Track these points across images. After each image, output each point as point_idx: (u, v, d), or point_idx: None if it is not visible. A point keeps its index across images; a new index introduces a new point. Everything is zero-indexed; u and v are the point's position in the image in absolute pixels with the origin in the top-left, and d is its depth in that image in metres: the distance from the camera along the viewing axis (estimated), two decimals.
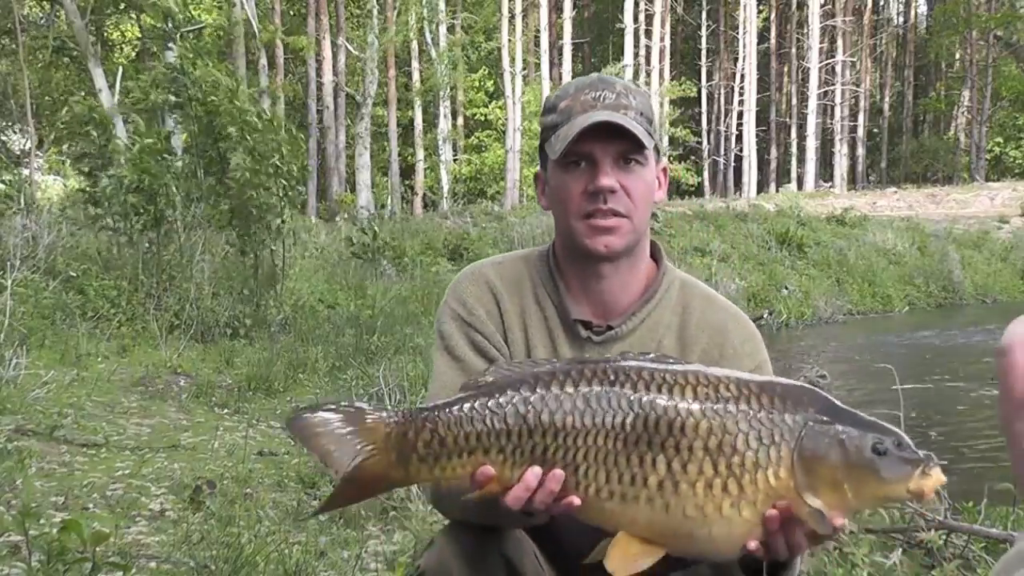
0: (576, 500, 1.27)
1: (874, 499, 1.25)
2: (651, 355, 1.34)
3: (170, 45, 9.34)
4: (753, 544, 1.24)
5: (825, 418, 1.24)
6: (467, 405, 1.32)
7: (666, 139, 36.20)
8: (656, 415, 1.26)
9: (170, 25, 9.19)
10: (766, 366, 1.63)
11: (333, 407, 1.36)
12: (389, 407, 1.41)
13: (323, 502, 1.45)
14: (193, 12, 10.16)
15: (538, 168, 1.69)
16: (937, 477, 1.22)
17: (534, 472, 1.27)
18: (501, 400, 1.30)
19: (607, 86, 1.58)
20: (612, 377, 1.29)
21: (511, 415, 1.29)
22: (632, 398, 1.27)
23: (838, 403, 1.28)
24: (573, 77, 35.42)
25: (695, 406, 1.26)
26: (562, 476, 1.27)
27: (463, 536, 1.52)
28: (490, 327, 1.64)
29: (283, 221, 9.15)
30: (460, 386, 1.39)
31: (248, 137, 8.68)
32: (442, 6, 29.45)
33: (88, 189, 9.11)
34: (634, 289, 1.65)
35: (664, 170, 1.67)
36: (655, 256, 1.69)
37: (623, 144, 1.54)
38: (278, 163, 8.85)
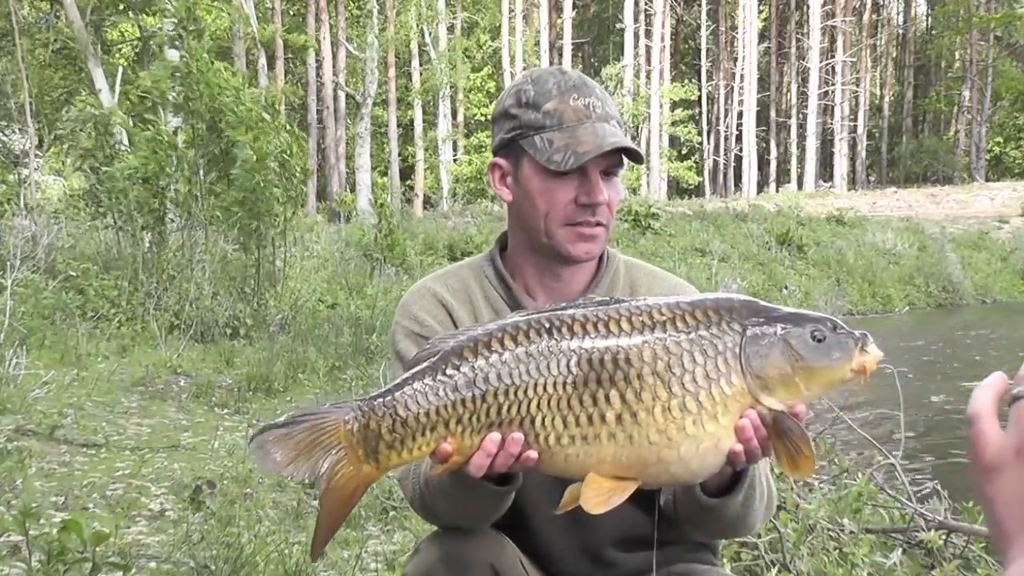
0: (533, 454, 1.29)
1: (825, 385, 1.28)
2: (578, 300, 1.37)
3: (175, 44, 9.37)
4: (739, 447, 1.27)
5: (760, 319, 1.28)
6: (418, 383, 1.31)
7: (666, 139, 36.24)
8: (599, 352, 1.28)
9: (179, 23, 9.20)
10: None
11: (288, 422, 1.34)
12: (342, 403, 1.39)
13: (315, 534, 1.40)
14: (195, 12, 10.15)
15: (496, 158, 1.67)
16: (875, 352, 1.26)
17: (493, 439, 1.28)
18: (448, 371, 1.31)
19: (591, 91, 1.60)
20: (548, 325, 1.31)
21: (462, 383, 1.30)
22: (572, 341, 1.29)
23: (766, 303, 1.32)
24: None
25: (635, 335, 1.28)
26: (521, 439, 1.28)
27: (447, 542, 1.52)
28: None
29: (285, 219, 9.16)
30: (404, 365, 1.39)
31: (252, 132, 8.70)
32: (442, 6, 29.46)
33: (92, 186, 9.10)
34: (584, 278, 1.70)
35: None
36: None
37: (614, 159, 1.59)
38: (285, 157, 8.87)
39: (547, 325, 1.31)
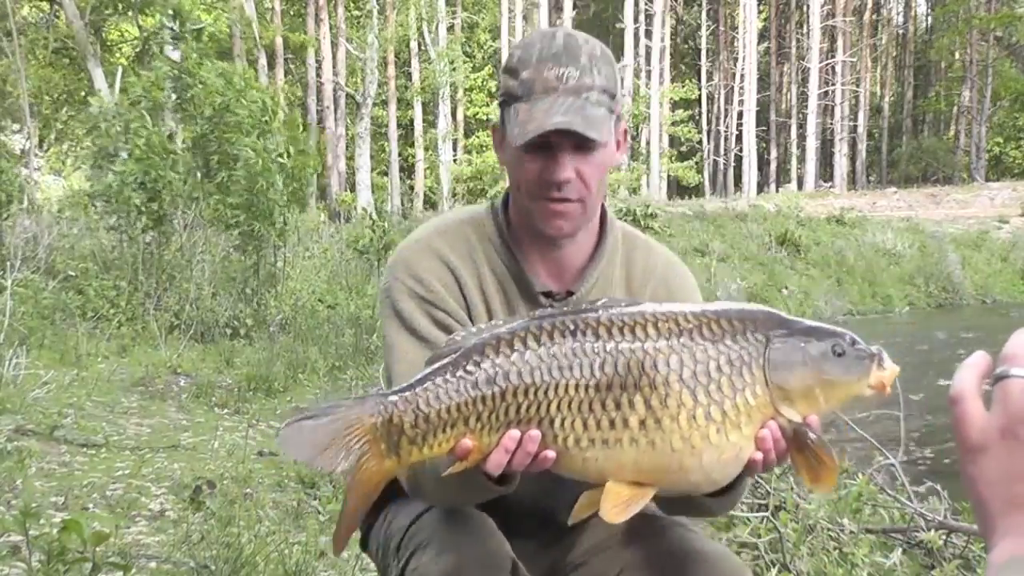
0: (551, 454, 1.28)
1: (843, 398, 1.29)
2: (602, 300, 1.36)
3: (176, 44, 9.37)
4: (758, 455, 1.27)
5: (783, 331, 1.29)
6: (440, 378, 1.31)
7: (666, 139, 36.24)
8: (625, 357, 1.27)
9: (176, 24, 9.19)
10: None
11: (315, 414, 1.34)
12: (365, 397, 1.38)
13: (338, 526, 1.41)
14: (193, 10, 10.18)
15: (496, 120, 1.65)
16: (892, 368, 1.28)
17: (511, 436, 1.28)
18: (470, 367, 1.30)
19: (571, 59, 1.51)
20: (573, 327, 1.30)
21: (483, 381, 1.29)
22: (597, 345, 1.29)
23: (786, 315, 1.33)
24: None
25: (662, 341, 1.28)
26: (539, 436, 1.28)
27: (466, 540, 1.49)
28: (451, 303, 1.61)
29: (285, 220, 9.15)
30: (426, 360, 1.38)
31: (252, 133, 8.71)
32: (442, 6, 29.47)
33: (93, 187, 9.08)
34: (586, 249, 1.67)
35: (624, 132, 1.64)
36: (601, 212, 1.70)
37: (579, 137, 1.51)
38: (281, 159, 8.87)
39: (572, 327, 1.30)
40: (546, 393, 1.28)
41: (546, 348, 1.29)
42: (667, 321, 1.29)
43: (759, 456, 1.28)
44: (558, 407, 1.28)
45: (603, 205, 1.68)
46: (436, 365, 1.33)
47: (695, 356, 1.27)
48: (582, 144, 1.51)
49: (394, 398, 1.33)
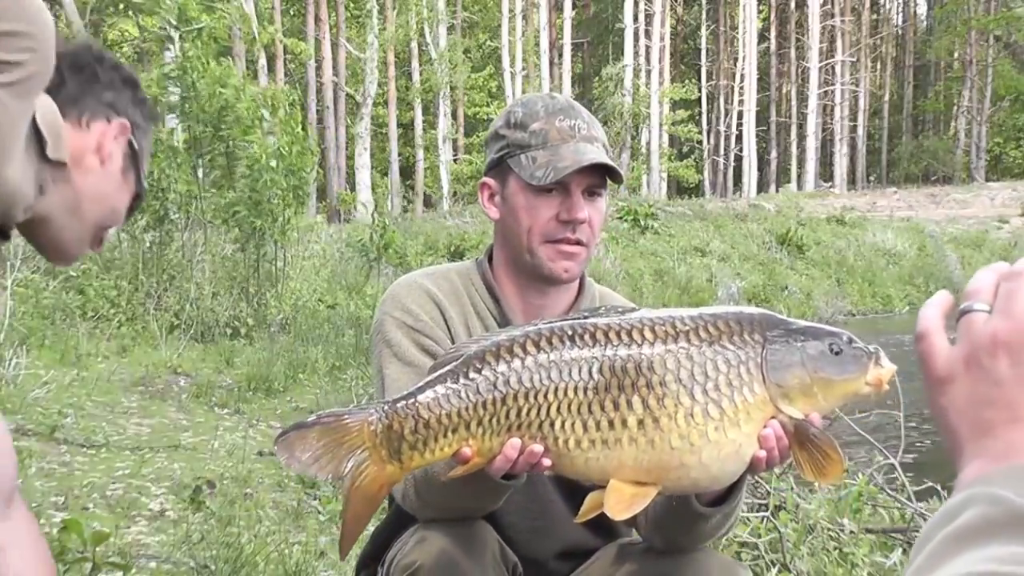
0: (547, 462, 1.32)
1: (841, 396, 1.31)
2: (600, 308, 1.41)
3: (169, 45, 9.39)
4: (762, 453, 1.29)
5: (780, 331, 1.31)
6: (440, 385, 1.35)
7: (666, 138, 36.23)
8: (622, 359, 1.30)
9: (178, 24, 9.23)
10: None
11: (311, 422, 1.36)
12: (365, 406, 1.41)
13: (342, 534, 1.44)
14: (193, 13, 10.18)
15: (486, 177, 1.75)
16: (888, 366, 1.30)
17: (512, 446, 1.31)
18: (471, 374, 1.34)
19: (577, 114, 1.66)
20: (571, 332, 1.34)
21: (484, 387, 1.33)
22: (595, 348, 1.32)
23: (783, 316, 1.36)
24: (573, 77, 35.55)
25: (659, 344, 1.31)
26: (540, 450, 1.31)
27: (450, 526, 1.51)
28: (438, 332, 1.67)
29: (287, 218, 9.15)
30: (428, 368, 1.42)
31: (252, 131, 8.74)
32: (442, 6, 29.46)
33: None
34: (567, 301, 1.76)
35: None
36: None
37: (595, 178, 1.64)
38: (283, 154, 8.88)
39: (570, 332, 1.34)
40: (545, 396, 1.31)
41: (545, 354, 1.32)
42: (664, 325, 1.32)
43: (762, 454, 1.30)
44: (558, 410, 1.31)
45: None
46: (437, 373, 1.36)
47: (692, 357, 1.29)
48: (593, 189, 1.65)
49: (395, 405, 1.36)
